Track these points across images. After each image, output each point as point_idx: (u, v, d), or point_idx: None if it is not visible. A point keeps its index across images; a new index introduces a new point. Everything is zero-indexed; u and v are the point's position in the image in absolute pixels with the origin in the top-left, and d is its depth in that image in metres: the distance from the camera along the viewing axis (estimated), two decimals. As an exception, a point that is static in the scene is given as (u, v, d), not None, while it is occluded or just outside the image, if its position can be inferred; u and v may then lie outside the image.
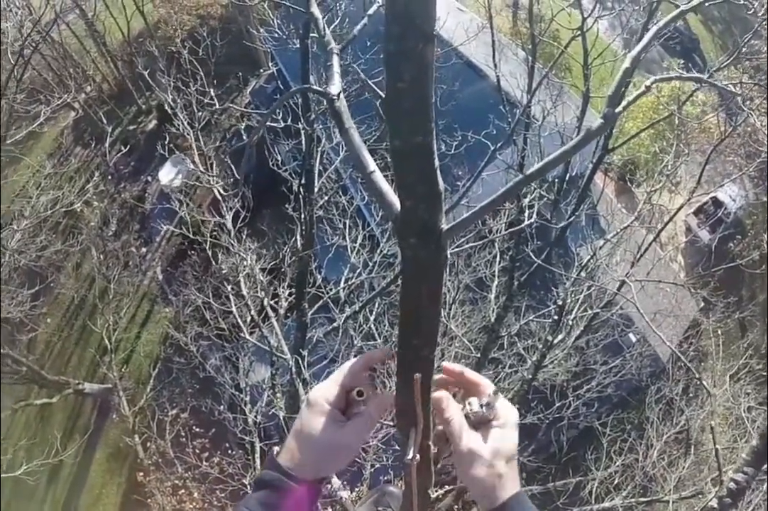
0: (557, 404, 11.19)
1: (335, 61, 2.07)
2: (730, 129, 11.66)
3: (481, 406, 1.23)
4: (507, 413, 1.28)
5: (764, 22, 8.37)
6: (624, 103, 1.90)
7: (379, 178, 1.76)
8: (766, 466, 4.14)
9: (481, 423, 1.24)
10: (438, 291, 1.98)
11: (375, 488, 2.77)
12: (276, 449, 1.31)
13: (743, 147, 19.66)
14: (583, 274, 8.94)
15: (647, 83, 2.22)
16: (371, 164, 1.80)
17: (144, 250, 20.97)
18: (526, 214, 7.82)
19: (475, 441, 1.24)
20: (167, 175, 21.07)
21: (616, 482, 10.50)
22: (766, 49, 11.07)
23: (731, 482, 4.00)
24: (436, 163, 1.53)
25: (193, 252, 15.51)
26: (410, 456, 1.27)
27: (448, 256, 1.84)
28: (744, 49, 9.80)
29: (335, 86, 1.89)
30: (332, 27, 7.07)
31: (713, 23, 28.62)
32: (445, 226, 1.67)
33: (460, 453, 1.25)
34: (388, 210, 1.75)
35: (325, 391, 1.29)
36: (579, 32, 8.75)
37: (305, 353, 8.74)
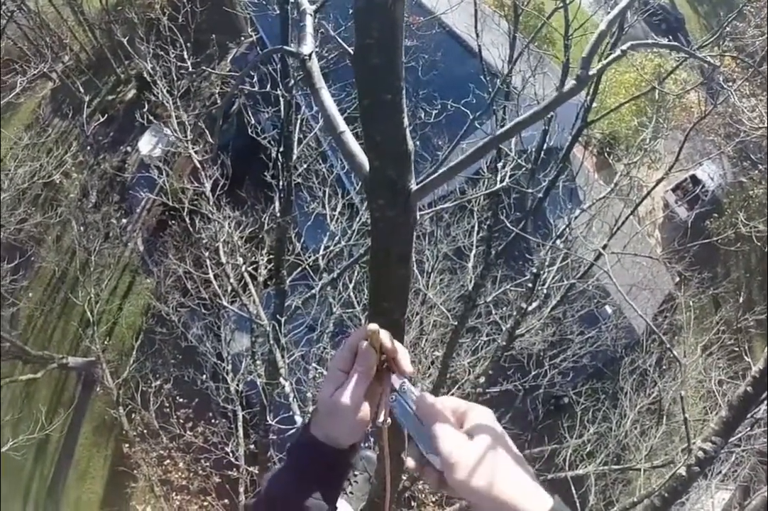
0: (533, 373, 11.42)
1: (308, 21, 2.05)
2: (710, 107, 11.72)
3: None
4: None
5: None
6: (599, 66, 1.92)
7: (349, 138, 1.77)
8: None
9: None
10: (408, 252, 2.00)
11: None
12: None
13: (723, 127, 19.80)
14: (560, 243, 9.02)
15: (623, 47, 2.25)
16: (342, 124, 1.80)
17: (124, 221, 20.74)
18: (500, 180, 7.80)
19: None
20: (147, 144, 20.79)
21: (590, 450, 10.77)
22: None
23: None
24: (406, 122, 1.53)
25: (173, 222, 15.36)
26: (381, 419, 1.30)
27: (417, 217, 1.87)
28: (727, 29, 9.81)
29: (307, 46, 1.89)
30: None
31: (699, 3, 28.55)
32: (414, 187, 1.70)
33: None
34: (358, 171, 1.77)
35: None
36: (562, 4, 8.67)
37: (283, 319, 8.75)
